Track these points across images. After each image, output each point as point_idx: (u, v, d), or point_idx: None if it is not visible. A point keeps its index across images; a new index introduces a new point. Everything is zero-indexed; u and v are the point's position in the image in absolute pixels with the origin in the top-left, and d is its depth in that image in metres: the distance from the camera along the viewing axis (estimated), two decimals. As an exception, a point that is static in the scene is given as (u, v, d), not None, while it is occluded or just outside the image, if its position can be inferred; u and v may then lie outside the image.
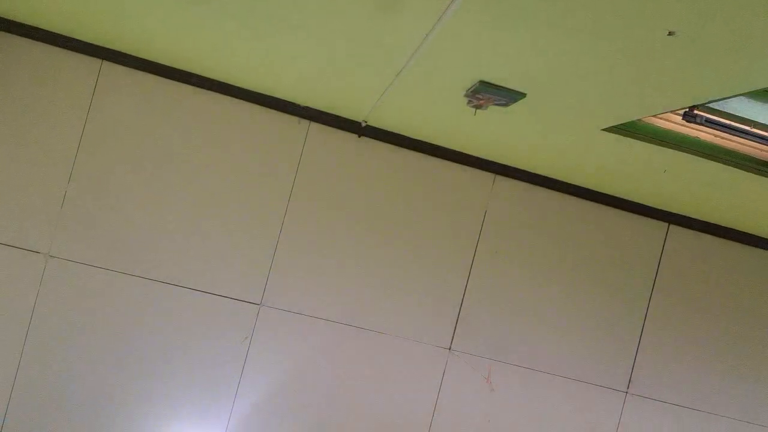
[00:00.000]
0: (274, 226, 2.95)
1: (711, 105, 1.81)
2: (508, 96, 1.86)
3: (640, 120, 1.94)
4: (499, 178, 3.09)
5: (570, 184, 3.09)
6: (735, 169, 2.07)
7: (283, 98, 2.92)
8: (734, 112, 1.88)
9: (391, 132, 2.99)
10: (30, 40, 2.80)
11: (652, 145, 2.05)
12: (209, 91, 2.90)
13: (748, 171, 2.06)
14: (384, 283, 3.02)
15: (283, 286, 2.95)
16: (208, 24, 2.04)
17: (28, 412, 2.80)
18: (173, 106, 2.90)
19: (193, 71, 2.85)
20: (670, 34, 1.25)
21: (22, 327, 2.81)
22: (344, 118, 2.95)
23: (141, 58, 2.83)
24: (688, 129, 1.95)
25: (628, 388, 3.13)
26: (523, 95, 1.84)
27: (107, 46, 2.80)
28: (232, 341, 2.92)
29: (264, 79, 2.72)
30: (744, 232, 3.18)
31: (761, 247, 3.21)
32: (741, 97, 1.82)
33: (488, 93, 1.86)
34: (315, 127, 2.98)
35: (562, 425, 3.11)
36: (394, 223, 3.04)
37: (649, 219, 3.16)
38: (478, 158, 3.05)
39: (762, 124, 1.90)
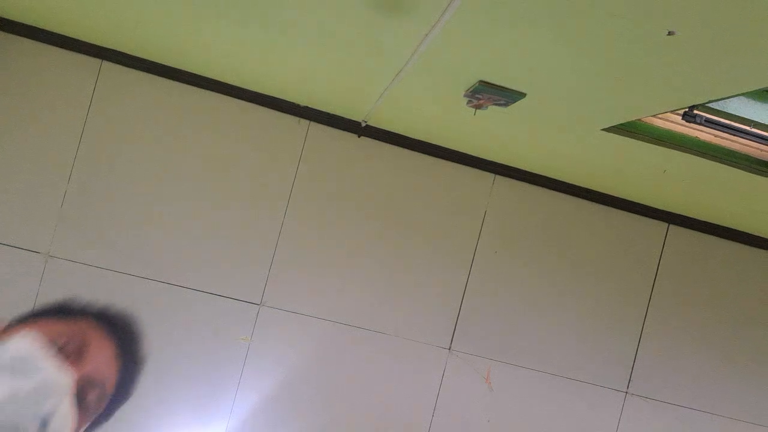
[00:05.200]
0: (274, 225, 2.95)
1: (711, 105, 1.81)
2: (508, 96, 1.86)
3: (640, 120, 1.94)
4: (499, 178, 3.09)
5: (570, 184, 3.09)
6: (735, 169, 2.07)
7: (283, 98, 2.92)
8: (734, 112, 1.88)
9: (391, 132, 2.99)
10: (30, 40, 2.80)
11: (652, 145, 2.05)
12: (209, 91, 2.90)
13: (748, 171, 2.07)
14: (384, 282, 3.02)
15: (283, 286, 2.95)
16: (207, 25, 2.04)
17: (28, 412, 2.81)
18: (173, 106, 2.90)
19: (193, 71, 2.85)
20: (670, 34, 1.25)
21: (22, 327, 2.80)
22: (344, 118, 2.95)
23: (141, 58, 2.83)
24: (687, 129, 1.96)
25: (628, 388, 3.13)
26: (523, 95, 1.85)
27: (107, 46, 2.80)
28: (232, 341, 2.91)
29: (264, 79, 2.72)
30: (744, 232, 3.18)
31: (761, 247, 3.21)
32: (741, 97, 1.83)
33: (488, 93, 1.86)
34: (315, 127, 2.98)
35: (562, 425, 3.11)
36: (394, 223, 3.04)
37: (649, 219, 3.16)
38: (478, 158, 3.05)
39: (762, 124, 1.90)
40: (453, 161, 3.05)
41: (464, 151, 3.02)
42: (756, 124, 1.89)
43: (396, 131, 2.99)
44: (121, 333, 1.00)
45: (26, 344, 0.87)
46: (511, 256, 3.10)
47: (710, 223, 3.17)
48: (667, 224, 3.18)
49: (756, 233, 3.18)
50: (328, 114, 2.95)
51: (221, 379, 2.91)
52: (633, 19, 1.24)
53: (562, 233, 3.13)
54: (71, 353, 0.90)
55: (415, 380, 3.04)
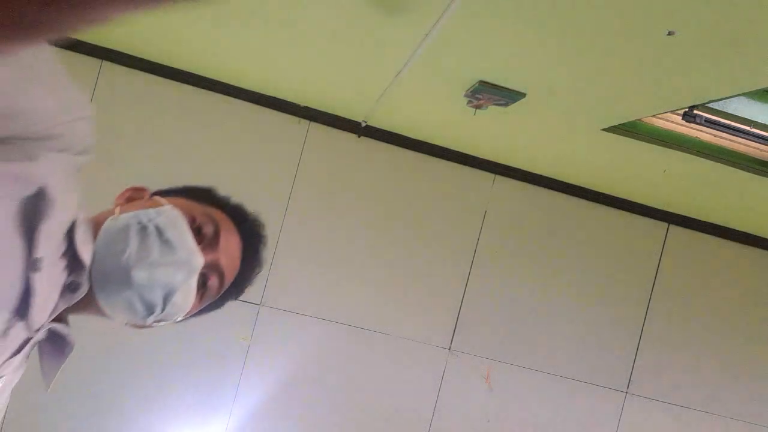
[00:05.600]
0: (273, 225, 2.95)
1: (711, 105, 1.81)
2: (508, 96, 1.86)
3: (640, 120, 1.94)
4: (499, 178, 3.09)
5: (570, 184, 3.09)
6: (735, 169, 2.07)
7: (283, 98, 2.92)
8: (734, 112, 1.88)
9: (391, 132, 2.99)
10: (30, 40, 2.80)
11: (652, 145, 2.05)
12: (209, 91, 2.90)
13: (748, 171, 2.07)
14: (384, 283, 3.02)
15: (283, 286, 2.95)
16: (209, 25, 2.04)
17: (25, 412, 2.80)
18: (173, 106, 2.90)
19: (193, 71, 2.86)
20: (670, 34, 1.25)
21: (22, 327, 2.80)
22: (344, 118, 2.95)
23: (141, 58, 2.83)
24: (687, 129, 1.96)
25: (628, 388, 3.13)
26: (523, 95, 1.85)
27: (107, 46, 2.80)
28: (232, 341, 2.91)
29: (264, 79, 2.73)
30: (744, 232, 3.18)
31: (761, 247, 3.21)
32: (741, 97, 1.83)
33: (488, 93, 1.86)
34: (315, 127, 2.97)
35: (562, 425, 3.11)
36: (394, 223, 3.04)
37: (649, 219, 3.16)
38: (478, 158, 3.05)
39: (762, 124, 1.90)
40: (453, 161, 3.05)
41: (464, 151, 3.02)
42: (756, 124, 1.89)
43: (396, 131, 2.99)
44: (249, 232, 1.02)
45: (172, 215, 0.90)
46: (511, 256, 3.10)
47: (710, 223, 3.17)
48: (667, 224, 3.17)
49: (756, 233, 3.18)
50: (328, 114, 2.95)
51: (221, 379, 2.91)
52: (633, 19, 1.24)
53: (562, 233, 3.13)
54: (206, 236, 0.93)
55: (415, 380, 3.04)
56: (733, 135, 1.90)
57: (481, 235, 3.07)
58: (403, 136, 3.00)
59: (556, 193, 3.11)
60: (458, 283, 3.06)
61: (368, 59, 1.95)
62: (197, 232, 0.92)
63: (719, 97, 1.60)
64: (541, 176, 3.08)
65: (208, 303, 1.00)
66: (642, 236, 3.16)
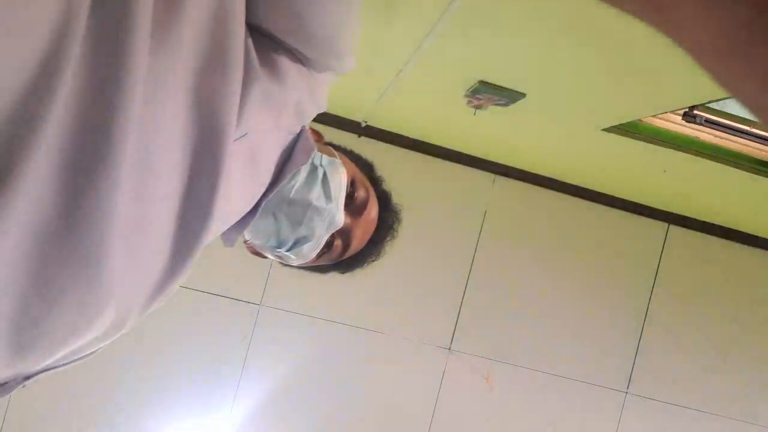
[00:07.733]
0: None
1: (711, 105, 1.81)
2: (508, 96, 1.86)
3: (640, 120, 1.94)
4: (499, 178, 3.09)
5: (570, 184, 3.09)
6: (735, 169, 2.07)
7: (283, 98, 2.91)
8: (734, 112, 1.88)
9: (391, 132, 2.99)
10: None
11: (652, 145, 2.05)
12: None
13: (748, 171, 2.07)
14: (384, 283, 3.02)
15: (283, 286, 2.95)
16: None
17: (26, 411, 2.80)
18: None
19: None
20: (670, 34, 1.25)
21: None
22: (344, 118, 2.95)
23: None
24: (687, 129, 1.96)
25: (628, 388, 3.13)
26: (523, 95, 1.85)
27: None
28: (232, 341, 2.92)
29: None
30: (744, 232, 3.18)
31: (761, 247, 3.21)
32: (741, 97, 1.82)
33: (488, 93, 1.86)
34: (314, 127, 2.97)
35: (562, 425, 3.11)
36: (394, 223, 3.03)
37: (649, 219, 3.16)
38: (478, 158, 3.04)
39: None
40: (453, 161, 3.05)
41: (464, 151, 3.02)
42: (756, 124, 1.89)
43: (396, 131, 2.98)
44: (387, 220, 1.04)
45: (340, 169, 0.90)
46: (512, 256, 3.10)
47: (710, 223, 3.17)
48: (667, 224, 3.17)
49: (756, 233, 3.18)
50: (328, 114, 2.94)
51: (221, 379, 2.91)
52: (633, 19, 1.24)
53: (562, 233, 3.13)
54: (354, 202, 0.94)
55: (415, 380, 3.04)
56: (733, 135, 1.91)
57: (481, 235, 3.07)
58: (403, 136, 3.00)
59: (556, 193, 3.11)
60: (458, 283, 3.06)
61: (368, 59, 1.96)
62: (350, 194, 0.92)
63: (719, 97, 1.60)
64: (541, 176, 3.08)
65: (322, 264, 0.99)
66: (642, 236, 3.16)
